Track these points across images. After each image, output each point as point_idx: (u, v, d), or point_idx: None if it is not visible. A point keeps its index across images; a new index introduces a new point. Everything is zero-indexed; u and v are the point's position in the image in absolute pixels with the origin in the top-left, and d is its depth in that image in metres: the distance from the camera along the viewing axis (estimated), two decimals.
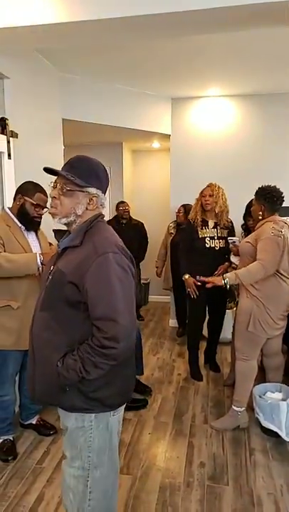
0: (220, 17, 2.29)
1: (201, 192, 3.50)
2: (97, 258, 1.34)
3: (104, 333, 1.32)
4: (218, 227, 3.46)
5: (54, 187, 1.46)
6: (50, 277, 1.46)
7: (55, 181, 1.47)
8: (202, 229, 3.44)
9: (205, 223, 3.45)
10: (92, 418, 1.46)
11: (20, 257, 2.28)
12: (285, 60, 3.55)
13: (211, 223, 3.45)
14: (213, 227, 3.44)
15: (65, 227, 1.54)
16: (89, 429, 1.47)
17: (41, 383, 1.45)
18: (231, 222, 3.57)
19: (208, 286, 2.81)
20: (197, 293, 3.41)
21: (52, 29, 2.45)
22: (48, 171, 1.44)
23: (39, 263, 2.27)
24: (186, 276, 3.46)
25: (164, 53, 3.43)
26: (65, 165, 1.48)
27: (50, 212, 1.49)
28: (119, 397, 1.50)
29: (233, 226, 3.59)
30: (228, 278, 2.68)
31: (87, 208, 1.46)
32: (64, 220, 1.46)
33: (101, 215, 1.52)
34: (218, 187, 3.45)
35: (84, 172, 1.44)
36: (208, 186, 3.48)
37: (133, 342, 1.40)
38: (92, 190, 1.45)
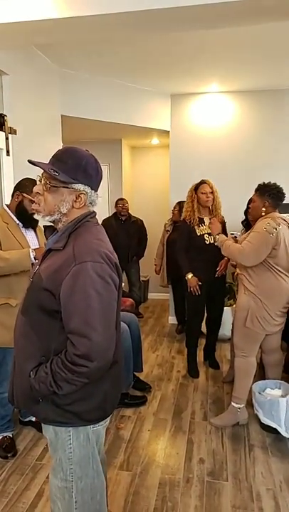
0: (219, 12, 2.27)
1: (197, 189, 3.46)
2: (75, 266, 1.21)
3: (76, 350, 1.21)
4: None
5: (40, 181, 1.35)
6: (31, 280, 1.37)
7: (41, 175, 1.35)
8: (199, 226, 3.43)
9: (201, 220, 3.45)
10: (70, 429, 1.36)
11: (13, 254, 2.27)
12: (284, 55, 3.54)
13: (206, 220, 3.45)
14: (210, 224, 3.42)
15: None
16: (67, 440, 1.38)
17: (18, 390, 1.37)
18: (223, 217, 3.58)
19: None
20: (199, 292, 3.41)
21: (51, 25, 2.43)
22: (32, 164, 1.32)
23: (32, 259, 2.27)
24: (189, 276, 3.43)
25: (163, 49, 3.41)
26: (51, 157, 1.35)
27: (33, 208, 1.40)
28: (98, 411, 1.38)
29: (225, 222, 3.60)
30: (220, 238, 2.89)
31: (73, 206, 1.33)
32: (48, 218, 1.35)
33: (90, 215, 1.37)
34: (212, 182, 3.46)
35: (70, 166, 1.30)
36: (204, 183, 3.44)
37: (108, 360, 1.27)
38: (79, 186, 1.32)
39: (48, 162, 1.35)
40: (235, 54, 3.49)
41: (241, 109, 4.64)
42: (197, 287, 3.40)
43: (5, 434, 2.57)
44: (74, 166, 1.31)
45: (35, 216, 1.40)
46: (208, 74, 4.06)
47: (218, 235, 2.94)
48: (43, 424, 1.43)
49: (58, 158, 1.33)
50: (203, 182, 3.46)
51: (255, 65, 3.81)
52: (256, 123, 4.63)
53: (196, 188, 3.47)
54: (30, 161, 1.33)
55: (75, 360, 1.22)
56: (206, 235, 3.41)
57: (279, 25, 2.79)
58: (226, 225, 3.59)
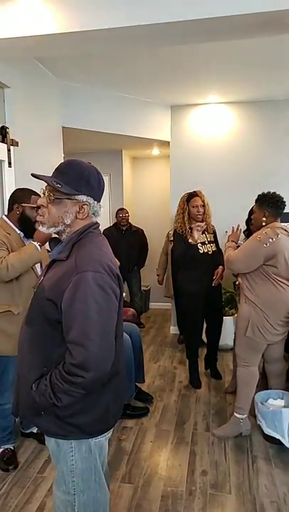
0: (220, 27, 2.32)
1: (188, 201, 3.44)
2: (76, 276, 1.23)
3: (72, 359, 1.22)
4: (206, 233, 3.46)
5: (43, 193, 1.38)
6: (35, 290, 1.39)
7: (44, 188, 1.38)
8: (192, 236, 3.42)
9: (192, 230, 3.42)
10: (72, 441, 1.36)
11: (24, 250, 2.32)
12: (283, 67, 3.58)
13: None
14: (202, 233, 3.40)
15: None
16: (69, 452, 1.37)
17: (21, 401, 1.38)
18: (213, 226, 3.59)
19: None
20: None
21: (52, 39, 2.47)
22: (36, 177, 1.35)
23: (39, 248, 2.33)
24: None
25: (163, 61, 3.46)
26: (54, 170, 1.38)
27: (37, 220, 1.42)
28: (99, 424, 1.38)
29: (215, 232, 3.60)
30: (228, 243, 2.96)
31: (76, 217, 1.35)
32: (52, 230, 1.38)
33: (93, 225, 1.39)
34: (203, 194, 3.45)
35: (73, 178, 1.33)
36: (196, 195, 3.43)
37: (105, 371, 1.26)
38: (82, 197, 1.34)
39: (51, 175, 1.37)
40: (234, 65, 3.53)
41: (241, 119, 4.69)
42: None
43: (6, 447, 2.55)
44: (76, 177, 1.33)
45: (40, 228, 1.42)
46: (207, 85, 4.10)
47: (229, 241, 3.00)
48: (45, 436, 1.43)
49: (61, 171, 1.36)
50: (195, 194, 3.44)
51: (254, 76, 3.85)
52: (256, 133, 4.67)
53: (188, 199, 3.45)
54: (33, 175, 1.35)
55: (71, 370, 1.22)
56: (199, 244, 3.38)
57: (279, 37, 2.82)
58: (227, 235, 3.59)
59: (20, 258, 2.27)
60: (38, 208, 2.48)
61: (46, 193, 1.36)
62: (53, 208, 1.35)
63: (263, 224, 2.66)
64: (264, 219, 2.66)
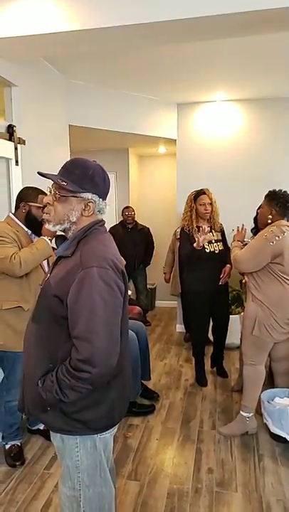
0: (226, 23, 2.31)
1: (196, 199, 3.44)
2: (81, 272, 1.24)
3: (79, 355, 1.23)
4: (214, 231, 3.45)
5: (49, 192, 1.39)
6: (41, 287, 1.41)
7: (51, 186, 1.40)
8: (196, 241, 3.39)
9: (200, 229, 3.42)
10: (77, 437, 1.38)
11: (35, 245, 2.34)
12: None
13: (205, 228, 3.42)
14: (209, 232, 3.39)
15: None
16: (74, 448, 1.39)
17: (27, 397, 1.38)
18: (221, 224, 3.58)
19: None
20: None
21: (59, 38, 2.48)
22: (42, 175, 1.37)
23: (49, 242, 2.36)
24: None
25: (169, 59, 3.45)
26: (61, 168, 1.40)
27: (43, 218, 1.43)
28: (105, 420, 1.39)
29: (223, 230, 3.59)
30: (234, 243, 2.94)
31: (82, 215, 1.36)
32: (58, 227, 1.39)
33: (99, 223, 1.40)
34: (211, 192, 3.44)
35: (78, 176, 1.34)
36: (204, 193, 3.43)
37: (111, 367, 1.26)
38: (88, 195, 1.35)
39: (57, 173, 1.38)
40: (240, 63, 3.51)
41: (248, 117, 4.66)
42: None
43: (13, 443, 2.57)
44: (81, 175, 1.35)
45: (46, 226, 1.43)
46: (214, 83, 4.08)
47: (235, 241, 2.98)
48: (51, 432, 1.44)
49: (66, 169, 1.37)
50: (202, 192, 3.44)
51: (261, 73, 3.82)
52: (263, 131, 4.64)
53: (195, 197, 3.45)
54: (40, 173, 1.37)
55: (78, 366, 1.23)
56: (206, 244, 3.36)
57: (285, 33, 2.80)
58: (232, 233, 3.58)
59: (32, 253, 2.29)
60: (44, 207, 2.52)
61: (52, 191, 1.37)
62: (59, 206, 1.36)
63: (269, 221, 2.66)
64: (270, 217, 2.65)
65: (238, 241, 2.96)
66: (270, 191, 2.71)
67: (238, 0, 2.13)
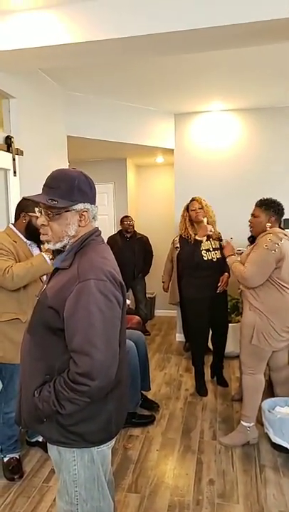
0: (222, 35, 2.34)
1: (187, 207, 3.54)
2: (78, 284, 1.22)
3: (77, 368, 1.21)
4: (211, 239, 3.47)
5: (40, 213, 1.36)
6: (37, 298, 1.39)
7: (39, 207, 1.36)
8: (199, 232, 3.43)
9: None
10: (75, 450, 1.35)
11: (32, 262, 2.33)
12: (287, 73, 3.59)
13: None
14: (207, 240, 3.44)
15: None
16: (72, 461, 1.36)
17: (24, 409, 1.36)
18: (219, 233, 3.60)
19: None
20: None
21: (57, 50, 2.51)
22: (28, 200, 1.35)
23: (48, 260, 2.32)
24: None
25: (166, 70, 3.49)
26: (44, 187, 1.36)
27: (42, 240, 1.40)
28: (102, 433, 1.36)
29: (221, 238, 3.59)
30: (229, 260, 2.90)
31: (79, 225, 1.35)
32: (59, 245, 1.36)
33: (95, 233, 1.39)
34: (203, 199, 3.50)
35: (65, 190, 1.31)
36: (193, 200, 3.51)
37: (110, 379, 1.25)
38: (80, 206, 1.33)
39: (41, 192, 1.35)
40: (238, 73, 3.55)
41: (245, 126, 4.70)
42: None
43: (12, 456, 2.54)
44: (68, 188, 1.32)
45: (46, 246, 1.41)
46: (211, 93, 4.12)
47: (228, 256, 2.95)
48: (48, 444, 1.42)
49: (51, 186, 1.34)
50: (192, 199, 3.54)
51: (257, 83, 3.86)
52: (260, 140, 4.67)
53: (188, 206, 3.55)
54: (25, 198, 1.35)
55: (77, 379, 1.21)
56: (203, 251, 3.40)
57: (282, 44, 2.84)
58: (233, 242, 3.58)
59: (26, 268, 2.27)
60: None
61: (43, 212, 1.34)
62: (55, 224, 1.34)
63: (267, 228, 2.68)
64: (269, 224, 2.67)
65: (232, 255, 2.94)
66: (264, 199, 2.75)
67: (236, 12, 2.17)
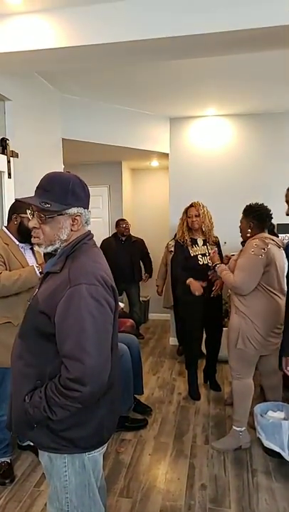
0: (220, 41, 2.36)
1: (186, 212, 3.54)
2: (69, 289, 1.21)
3: (69, 374, 1.19)
4: (208, 244, 3.49)
5: (32, 215, 1.34)
6: (29, 303, 1.37)
7: (31, 209, 1.35)
8: (192, 247, 3.47)
9: (194, 241, 3.49)
10: (66, 456, 1.33)
11: (21, 273, 2.31)
12: (281, 80, 3.63)
13: (200, 241, 3.50)
14: (203, 245, 3.48)
15: None
16: (63, 468, 1.34)
17: (14, 414, 1.34)
18: (216, 237, 3.62)
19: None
20: (202, 291, 3.36)
21: (53, 53, 2.51)
22: (21, 202, 1.30)
23: (38, 274, 2.30)
24: (190, 279, 3.38)
25: (162, 74, 3.50)
26: (37, 189, 1.34)
27: (33, 243, 1.38)
28: (93, 438, 1.34)
29: (219, 243, 3.63)
30: (218, 268, 2.87)
31: (72, 230, 1.34)
32: (50, 248, 1.34)
33: (87, 237, 1.37)
34: (202, 205, 3.50)
35: (59, 193, 1.29)
36: (192, 206, 3.51)
37: (102, 385, 1.24)
38: (73, 210, 1.32)
39: (34, 195, 1.34)
40: (232, 78, 3.57)
41: (239, 131, 4.73)
42: (201, 288, 3.34)
43: (3, 460, 2.52)
44: (62, 191, 1.30)
45: (37, 249, 1.39)
46: (206, 98, 4.15)
47: (216, 266, 2.96)
48: (39, 450, 1.41)
49: (45, 189, 1.32)
50: (191, 205, 3.53)
51: (252, 89, 3.90)
52: (254, 145, 4.71)
53: (186, 210, 3.55)
54: (18, 200, 1.33)
55: (68, 385, 1.20)
56: (199, 256, 3.44)
57: (276, 51, 2.87)
58: (227, 246, 3.61)
59: (12, 280, 2.26)
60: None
61: (36, 215, 1.33)
62: (47, 227, 1.32)
63: (248, 235, 2.69)
64: (249, 230, 2.70)
65: (219, 264, 2.95)
66: (246, 206, 2.76)
67: (233, 19, 2.18)
